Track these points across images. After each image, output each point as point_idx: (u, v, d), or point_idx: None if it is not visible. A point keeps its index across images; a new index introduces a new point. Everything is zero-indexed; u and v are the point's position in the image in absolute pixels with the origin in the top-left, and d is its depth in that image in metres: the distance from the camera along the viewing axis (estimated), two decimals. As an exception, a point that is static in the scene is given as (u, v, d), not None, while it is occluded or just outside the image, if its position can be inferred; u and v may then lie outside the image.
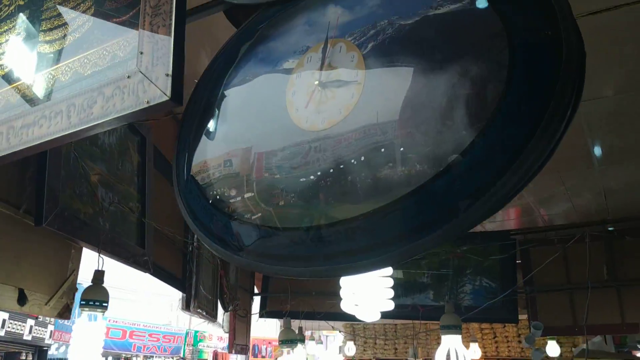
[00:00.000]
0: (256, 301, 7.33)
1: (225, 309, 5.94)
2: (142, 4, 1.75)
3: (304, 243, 1.33)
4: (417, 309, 5.90)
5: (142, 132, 4.09)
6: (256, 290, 7.39)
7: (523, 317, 6.68)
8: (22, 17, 2.14)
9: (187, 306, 4.93)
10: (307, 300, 6.58)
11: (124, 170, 3.85)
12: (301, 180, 1.37)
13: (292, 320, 5.92)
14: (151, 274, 4.02)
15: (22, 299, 2.95)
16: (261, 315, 7.12)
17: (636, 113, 5.24)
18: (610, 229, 6.35)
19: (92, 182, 3.29)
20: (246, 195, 1.49)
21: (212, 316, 5.41)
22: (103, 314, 2.94)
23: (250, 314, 6.98)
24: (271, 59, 1.53)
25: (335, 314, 6.39)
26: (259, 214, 1.45)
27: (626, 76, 4.54)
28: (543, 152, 1.08)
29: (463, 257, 6.11)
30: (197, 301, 4.96)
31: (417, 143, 1.20)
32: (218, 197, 1.56)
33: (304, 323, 7.32)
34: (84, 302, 2.90)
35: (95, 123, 1.74)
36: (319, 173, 1.34)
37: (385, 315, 4.31)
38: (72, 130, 1.77)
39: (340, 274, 1.29)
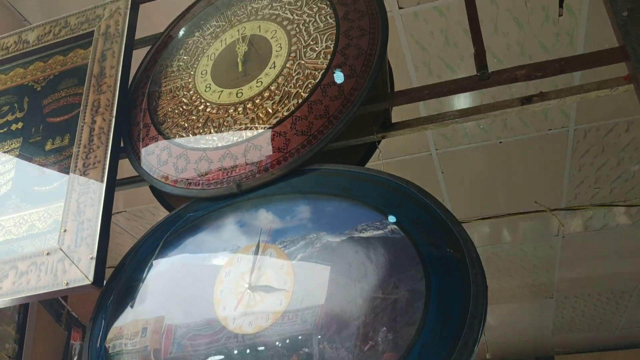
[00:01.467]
0: None
1: None
2: (70, 179, 1.77)
3: None
4: None
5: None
6: None
7: None
8: None
9: None
10: None
11: (5, 308, 3.56)
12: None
13: None
14: None
15: None
16: None
17: (507, 260, 5.78)
18: (489, 367, 6.68)
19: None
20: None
21: None
22: None
23: None
24: (200, 252, 1.58)
25: None
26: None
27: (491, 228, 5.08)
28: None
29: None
30: None
31: (340, 359, 1.28)
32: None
33: None
34: None
35: (2, 299, 1.67)
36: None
37: None
38: (-26, 305, 1.67)
39: None
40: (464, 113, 1.63)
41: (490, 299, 1.25)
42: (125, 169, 1.88)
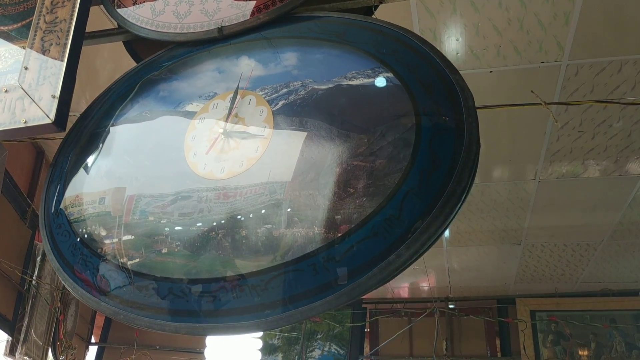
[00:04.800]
0: (91, 351, 6.71)
1: (56, 358, 5.36)
2: (35, 17, 1.62)
3: (185, 296, 1.25)
4: (266, 371, 5.79)
5: (-5, 152, 3.69)
6: (94, 340, 6.78)
7: (367, 385, 6.82)
8: None
9: (11, 351, 4.38)
10: (151, 354, 6.17)
11: (-35, 192, 3.43)
12: (190, 228, 1.30)
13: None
14: (-24, 312, 3.55)
15: None
16: (95, 368, 6.51)
17: (481, 201, 5.79)
18: (451, 306, 6.81)
19: None
20: (124, 238, 1.38)
21: (39, 365, 4.85)
22: None
23: (84, 365, 6.36)
24: (173, 99, 1.47)
25: (179, 371, 6.05)
26: (137, 260, 1.34)
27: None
28: (437, 230, 1.14)
29: (315, 322, 6.14)
30: (25, 347, 4.43)
31: (317, 206, 1.20)
32: (90, 235, 1.43)
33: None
34: None
35: (-46, 135, 1.54)
36: (210, 223, 1.28)
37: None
38: None
39: (220, 333, 1.22)
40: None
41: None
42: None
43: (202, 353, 5.73)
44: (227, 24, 1.45)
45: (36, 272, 4.59)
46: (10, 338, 4.37)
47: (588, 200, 5.65)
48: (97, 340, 6.78)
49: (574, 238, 6.42)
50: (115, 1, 1.64)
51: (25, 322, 4.45)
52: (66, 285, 1.40)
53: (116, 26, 1.79)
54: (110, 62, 3.74)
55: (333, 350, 6.25)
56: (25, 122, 1.48)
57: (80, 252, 1.40)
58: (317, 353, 6.23)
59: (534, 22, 3.59)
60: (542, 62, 3.88)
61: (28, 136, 1.50)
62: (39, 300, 4.66)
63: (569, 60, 3.85)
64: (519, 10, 3.53)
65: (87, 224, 1.45)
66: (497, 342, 6.29)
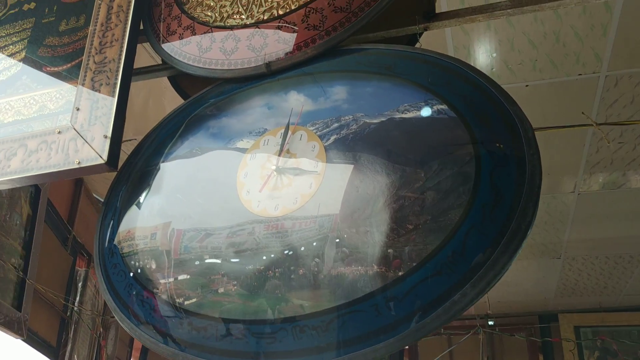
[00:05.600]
0: (131, 374, 6.76)
1: (98, 383, 5.41)
2: (84, 58, 1.65)
3: (244, 337, 1.23)
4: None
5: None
6: (132, 362, 6.84)
7: (407, 407, 6.71)
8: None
9: (56, 378, 4.43)
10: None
11: (11, 223, 3.50)
12: (246, 267, 1.29)
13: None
14: (24, 340, 3.60)
15: None
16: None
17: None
18: (490, 323, 6.67)
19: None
20: (179, 277, 1.38)
21: (82, 390, 4.89)
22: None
23: (124, 389, 6.41)
24: (223, 135, 1.48)
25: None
26: (193, 300, 1.34)
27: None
28: (504, 267, 1.11)
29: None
30: (68, 373, 4.49)
31: (375, 243, 1.18)
32: (144, 274, 1.43)
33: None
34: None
35: (10, 177, 1.57)
36: (267, 262, 1.27)
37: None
38: (-19, 182, 1.58)
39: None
40: (518, 3, 1.49)
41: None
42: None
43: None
44: (274, 59, 1.45)
45: (78, 298, 4.66)
46: (54, 364, 4.43)
47: (629, 212, 5.50)
48: (136, 363, 6.83)
49: (615, 250, 6.25)
50: (161, 38, 1.66)
51: (69, 347, 4.50)
52: (123, 326, 1.41)
53: (160, 62, 1.82)
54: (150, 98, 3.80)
55: (372, 370, 6.16)
56: (79, 162, 1.50)
57: (136, 291, 1.40)
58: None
59: (571, 35, 3.53)
60: (580, 75, 3.81)
61: (80, 176, 1.52)
62: (81, 325, 4.72)
63: (608, 71, 3.77)
64: (554, 23, 3.47)
65: (140, 262, 1.46)
66: (541, 359, 6.13)
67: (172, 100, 2.63)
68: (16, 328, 3.39)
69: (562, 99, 4.03)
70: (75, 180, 4.83)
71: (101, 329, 4.98)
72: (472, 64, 1.27)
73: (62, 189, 4.48)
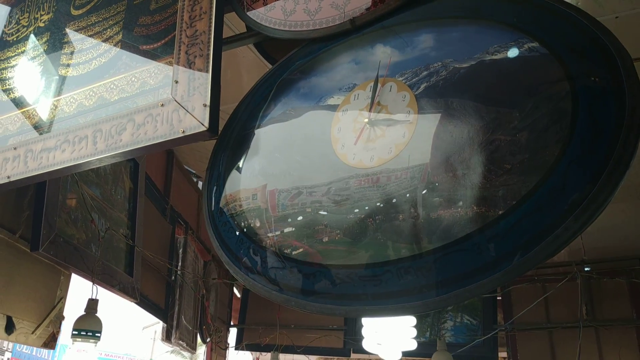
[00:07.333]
0: (232, 332, 7.17)
1: (204, 341, 5.79)
2: (177, 33, 1.74)
3: (351, 281, 1.31)
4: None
5: (135, 157, 4.03)
6: (232, 322, 7.24)
7: (503, 354, 6.69)
8: (42, 39, 2.10)
9: (168, 337, 4.80)
10: (286, 334, 6.46)
11: (117, 196, 3.77)
12: (348, 216, 1.36)
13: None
14: (137, 303, 3.92)
15: (9, 327, 2.82)
16: (238, 348, 6.95)
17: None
18: (586, 269, 6.46)
19: (88, 207, 3.21)
20: (285, 230, 1.47)
21: (192, 348, 5.27)
22: (95, 345, 2.83)
23: (228, 347, 6.82)
24: (314, 94, 1.53)
25: (314, 348, 6.29)
26: (300, 250, 1.43)
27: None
28: (606, 199, 1.10)
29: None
30: (178, 332, 4.83)
31: (473, 185, 1.21)
32: (252, 229, 1.54)
33: (283, 357, 7.18)
34: (75, 332, 2.79)
35: (123, 150, 1.71)
36: (367, 210, 1.33)
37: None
38: (98, 157, 1.73)
39: (387, 314, 1.27)
40: None
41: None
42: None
43: (335, 330, 5.93)
44: (358, 14, 1.47)
45: (180, 264, 4.97)
46: (165, 325, 4.78)
47: None
48: (236, 323, 7.22)
49: None
50: (246, 5, 1.73)
51: (176, 309, 4.84)
52: (237, 278, 1.53)
53: (238, 32, 1.88)
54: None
55: (465, 320, 6.20)
56: (184, 131, 1.61)
57: (247, 245, 1.51)
58: (449, 324, 6.21)
59: (665, -44, 3.27)
60: (677, -1, 3.53)
61: (185, 144, 1.63)
62: (185, 288, 5.04)
63: None
64: (645, -55, 3.23)
65: (248, 219, 1.56)
66: (644, 303, 5.89)
67: (250, 69, 2.72)
68: (130, 293, 3.69)
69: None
70: (167, 153, 5.11)
71: (204, 291, 5.30)
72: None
73: (156, 162, 4.75)
